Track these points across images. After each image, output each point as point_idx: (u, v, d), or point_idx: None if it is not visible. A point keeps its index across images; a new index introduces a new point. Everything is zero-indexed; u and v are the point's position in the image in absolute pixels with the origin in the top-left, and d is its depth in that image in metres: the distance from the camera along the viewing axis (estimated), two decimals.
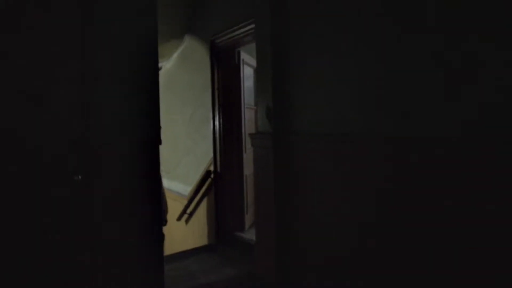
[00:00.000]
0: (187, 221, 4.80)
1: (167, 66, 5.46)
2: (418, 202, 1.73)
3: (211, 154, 4.23)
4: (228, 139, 4.13)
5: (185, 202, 4.62)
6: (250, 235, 3.98)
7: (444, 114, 1.63)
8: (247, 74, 4.31)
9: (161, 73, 5.48)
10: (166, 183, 4.61)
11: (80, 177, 1.74)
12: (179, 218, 4.68)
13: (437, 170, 1.65)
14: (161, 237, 2.15)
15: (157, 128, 2.07)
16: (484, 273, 1.50)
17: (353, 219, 2.09)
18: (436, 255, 1.66)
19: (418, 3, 1.72)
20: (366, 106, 2.00)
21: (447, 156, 1.61)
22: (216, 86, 4.13)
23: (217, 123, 4.14)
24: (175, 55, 5.21)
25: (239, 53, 4.10)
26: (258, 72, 2.82)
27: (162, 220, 3.87)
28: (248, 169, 4.17)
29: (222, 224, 4.13)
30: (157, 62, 2.09)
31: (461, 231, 1.57)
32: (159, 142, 2.07)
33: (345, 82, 2.12)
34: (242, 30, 3.55)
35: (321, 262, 2.32)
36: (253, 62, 4.05)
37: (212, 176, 4.23)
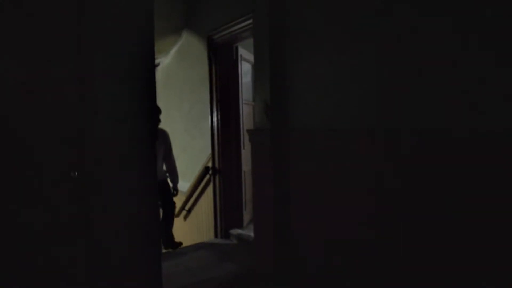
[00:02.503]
0: (185, 217, 4.80)
1: (165, 62, 5.44)
2: (421, 199, 1.73)
3: (209, 150, 4.22)
4: (226, 135, 4.11)
5: (183, 198, 4.62)
6: (248, 231, 3.98)
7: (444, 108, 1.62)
8: (245, 70, 4.29)
9: (159, 69, 5.45)
10: None
11: (76, 173, 1.73)
12: (177, 215, 4.68)
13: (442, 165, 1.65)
14: (159, 235, 2.14)
15: (154, 124, 2.05)
16: None
17: (352, 215, 2.08)
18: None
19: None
20: (364, 102, 1.99)
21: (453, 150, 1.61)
22: (214, 82, 4.11)
23: (215, 119, 4.13)
24: (173, 50, 5.18)
25: (237, 48, 4.08)
26: (256, 68, 2.81)
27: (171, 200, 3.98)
28: (246, 165, 4.16)
29: (221, 220, 4.13)
30: (153, 57, 2.07)
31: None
32: (156, 138, 2.05)
33: (343, 78, 2.11)
34: (240, 25, 3.53)
35: (320, 257, 2.33)
36: (251, 58, 4.03)
37: (210, 172, 4.23)
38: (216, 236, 4.17)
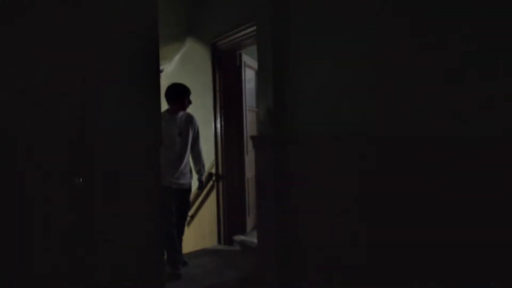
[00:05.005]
0: (189, 223, 4.80)
1: (168, 68, 5.47)
2: (425, 203, 1.73)
3: (213, 156, 4.22)
4: (229, 142, 4.12)
5: None
6: (251, 237, 3.97)
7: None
8: (249, 77, 4.31)
9: (162, 75, 5.48)
10: None
11: (81, 180, 1.74)
12: None
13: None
14: (161, 241, 2.13)
15: (158, 130, 2.06)
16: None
17: (355, 221, 2.08)
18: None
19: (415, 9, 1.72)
20: (368, 108, 1.99)
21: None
22: (217, 89, 4.13)
23: (218, 125, 4.14)
24: (177, 57, 5.21)
25: (240, 55, 4.10)
26: (259, 75, 2.82)
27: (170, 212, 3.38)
28: (250, 171, 4.16)
29: (224, 226, 4.12)
30: (158, 64, 2.09)
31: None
32: (160, 144, 2.06)
33: (347, 84, 2.11)
34: (243, 32, 3.56)
35: (324, 264, 2.31)
36: (255, 65, 4.06)
37: (213, 178, 4.23)
38: (219, 242, 4.17)
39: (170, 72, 5.45)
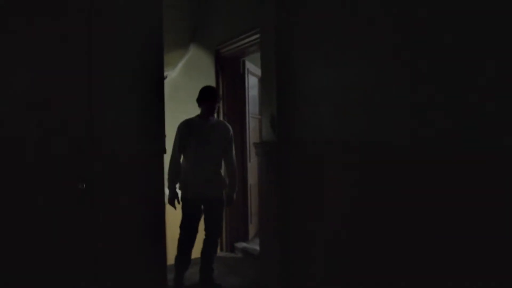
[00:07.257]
0: None
1: (172, 75, 5.48)
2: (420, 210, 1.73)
3: None
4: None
5: None
6: (254, 244, 3.95)
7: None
8: (252, 83, 4.32)
9: (166, 81, 5.50)
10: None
11: (84, 185, 1.74)
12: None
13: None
14: (163, 247, 2.12)
15: (162, 136, 2.07)
16: None
17: (358, 228, 2.07)
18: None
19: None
20: (370, 115, 1.99)
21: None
22: (220, 95, 4.14)
23: None
24: (180, 64, 5.23)
25: (244, 62, 4.11)
26: (262, 82, 2.83)
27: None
28: (252, 178, 4.15)
29: (226, 233, 4.10)
30: (162, 70, 2.10)
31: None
32: (164, 151, 2.06)
33: (350, 92, 2.12)
34: (247, 40, 3.57)
35: (326, 272, 2.30)
36: (258, 72, 4.07)
37: None
38: (221, 249, 4.14)
39: (173, 78, 5.47)
